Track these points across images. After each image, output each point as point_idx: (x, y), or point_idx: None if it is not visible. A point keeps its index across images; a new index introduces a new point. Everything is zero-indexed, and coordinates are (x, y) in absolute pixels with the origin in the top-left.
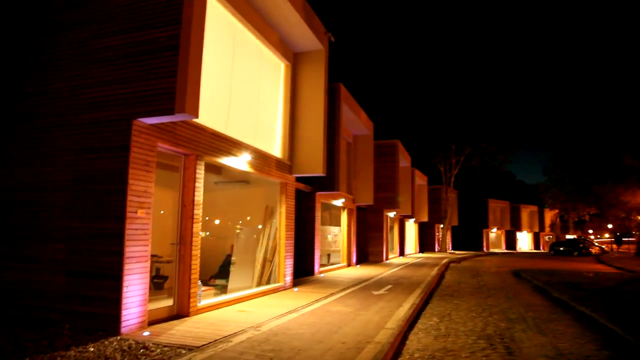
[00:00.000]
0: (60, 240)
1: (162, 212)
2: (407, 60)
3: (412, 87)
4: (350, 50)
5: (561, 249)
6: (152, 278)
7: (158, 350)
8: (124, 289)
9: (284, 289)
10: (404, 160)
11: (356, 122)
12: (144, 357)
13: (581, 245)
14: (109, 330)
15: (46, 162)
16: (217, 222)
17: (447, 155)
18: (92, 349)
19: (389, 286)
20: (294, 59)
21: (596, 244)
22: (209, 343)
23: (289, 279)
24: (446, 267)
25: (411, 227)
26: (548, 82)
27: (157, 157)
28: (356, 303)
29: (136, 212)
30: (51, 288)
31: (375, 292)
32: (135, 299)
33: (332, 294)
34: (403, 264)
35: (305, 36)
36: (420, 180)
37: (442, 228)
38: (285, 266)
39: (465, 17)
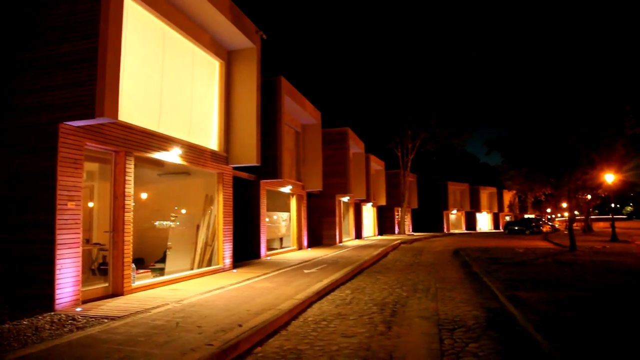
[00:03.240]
0: (1, 230)
1: (99, 203)
2: (361, 46)
3: (367, 73)
4: (303, 38)
5: (515, 228)
6: (98, 265)
7: (84, 321)
8: (57, 272)
9: (223, 270)
10: (357, 147)
11: (302, 113)
12: (70, 325)
13: (533, 224)
14: (45, 308)
15: None
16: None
17: (404, 141)
18: (25, 322)
19: (324, 265)
20: (229, 56)
21: (549, 223)
22: (130, 314)
23: (228, 261)
24: (394, 247)
25: (369, 210)
26: (501, 63)
27: (95, 154)
28: (282, 280)
29: (66, 205)
30: None
31: (307, 271)
32: (68, 280)
33: (265, 274)
34: (354, 246)
35: (235, 36)
36: (377, 165)
37: (400, 211)
38: (224, 250)
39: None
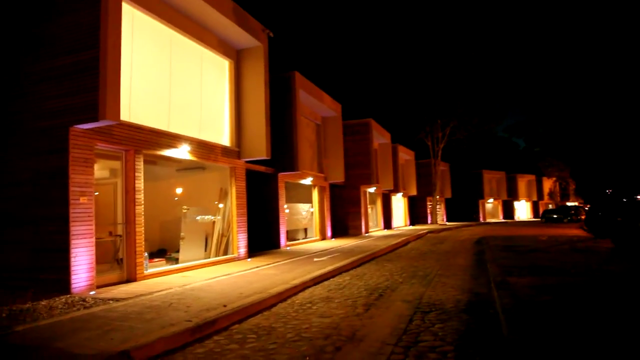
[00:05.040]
0: (27, 224)
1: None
2: (387, 36)
3: (393, 63)
4: (327, 32)
5: (553, 216)
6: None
7: (92, 302)
8: (72, 260)
9: (238, 259)
10: (382, 138)
11: (321, 106)
12: (79, 305)
13: (572, 212)
14: (63, 291)
15: (13, 164)
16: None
17: (433, 130)
18: (43, 303)
19: (336, 254)
20: (238, 55)
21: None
22: (134, 296)
23: (242, 250)
24: (419, 237)
25: (399, 201)
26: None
27: (107, 152)
28: (288, 268)
29: (79, 200)
30: (21, 262)
31: (317, 259)
32: (83, 267)
33: (276, 262)
34: (378, 236)
35: (241, 36)
36: (406, 155)
37: (432, 201)
38: (239, 240)
39: None
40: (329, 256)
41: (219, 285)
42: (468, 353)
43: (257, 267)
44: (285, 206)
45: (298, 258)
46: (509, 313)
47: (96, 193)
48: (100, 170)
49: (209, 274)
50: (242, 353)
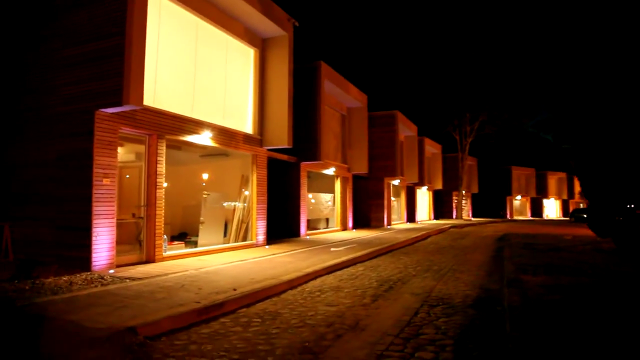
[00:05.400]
0: (51, 202)
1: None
2: (416, 30)
3: (422, 56)
4: (360, 20)
5: (583, 216)
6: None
7: (110, 280)
8: (94, 239)
9: (256, 246)
10: (408, 130)
11: (346, 96)
12: (97, 283)
13: None
14: (84, 268)
15: (39, 145)
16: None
17: (461, 123)
18: (64, 279)
19: (354, 245)
20: (263, 44)
21: None
22: (150, 277)
23: (261, 237)
24: (441, 231)
25: (424, 194)
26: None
27: (131, 136)
28: (303, 256)
29: (102, 181)
30: (46, 239)
31: (333, 249)
32: (103, 246)
33: (293, 250)
34: (400, 229)
35: (266, 25)
36: (433, 148)
37: (458, 195)
38: (258, 227)
39: None
40: (347, 247)
41: (233, 270)
42: (467, 348)
43: (274, 254)
44: (310, 196)
45: (315, 247)
46: (515, 310)
47: (127, 176)
48: (126, 153)
49: (225, 259)
50: (244, 335)
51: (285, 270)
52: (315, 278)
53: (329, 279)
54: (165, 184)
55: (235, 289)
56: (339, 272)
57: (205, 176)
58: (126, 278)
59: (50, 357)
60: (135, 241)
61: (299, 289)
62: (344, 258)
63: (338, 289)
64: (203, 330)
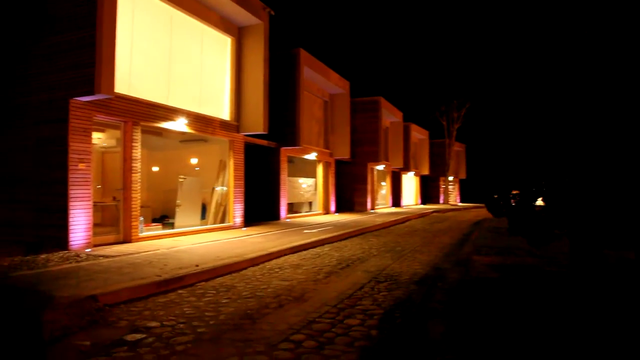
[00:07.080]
0: (31, 186)
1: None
2: (405, 20)
3: (411, 41)
4: (344, 6)
5: None
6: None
7: (85, 257)
8: (70, 220)
9: (233, 228)
10: (393, 116)
11: (327, 83)
12: (72, 260)
13: None
14: (62, 247)
15: (20, 131)
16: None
17: (449, 110)
18: (43, 257)
19: (329, 227)
20: (239, 33)
21: None
22: (123, 255)
23: (239, 220)
24: (422, 215)
25: (410, 179)
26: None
27: (107, 123)
28: (275, 237)
29: (77, 166)
30: (27, 220)
31: (307, 231)
32: (80, 226)
33: (268, 232)
34: (382, 213)
35: (242, 14)
36: (420, 134)
37: (445, 181)
38: (235, 209)
39: None
40: (321, 229)
41: (202, 249)
42: (393, 316)
43: (247, 235)
44: (291, 180)
45: (291, 229)
46: (450, 285)
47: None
48: (108, 139)
49: (199, 240)
50: (196, 304)
51: (252, 250)
52: (279, 257)
53: (292, 258)
54: (141, 169)
55: (197, 265)
56: (304, 252)
57: (185, 161)
58: (100, 256)
59: (17, 319)
60: (116, 223)
61: (260, 266)
62: (313, 239)
63: (297, 267)
64: (159, 300)
